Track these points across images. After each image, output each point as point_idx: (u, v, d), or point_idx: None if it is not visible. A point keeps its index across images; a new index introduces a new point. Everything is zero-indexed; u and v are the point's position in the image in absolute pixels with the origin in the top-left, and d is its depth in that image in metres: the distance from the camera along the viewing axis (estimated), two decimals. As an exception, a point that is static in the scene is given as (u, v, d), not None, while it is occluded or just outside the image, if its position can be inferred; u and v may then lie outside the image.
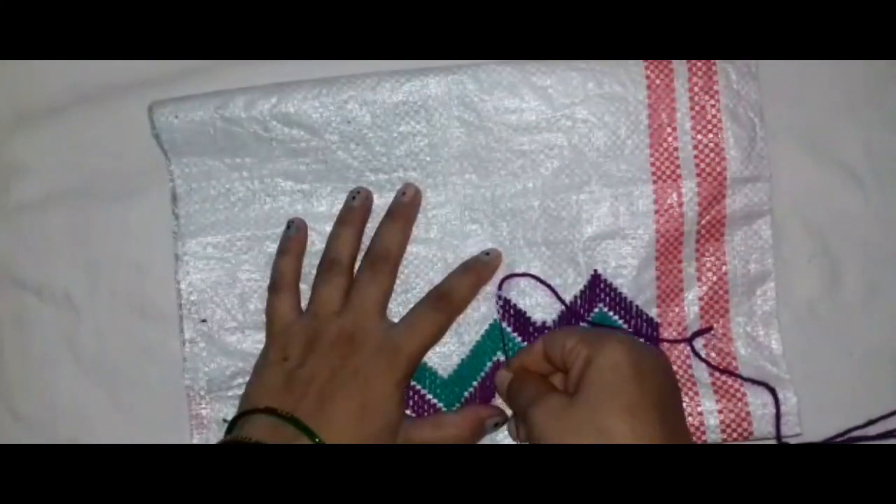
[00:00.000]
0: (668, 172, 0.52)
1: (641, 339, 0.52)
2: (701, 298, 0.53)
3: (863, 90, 0.54)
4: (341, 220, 0.53)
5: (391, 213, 0.52)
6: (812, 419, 0.52)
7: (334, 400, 0.48)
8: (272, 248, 0.53)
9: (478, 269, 0.52)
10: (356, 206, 0.52)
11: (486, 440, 0.51)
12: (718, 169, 0.52)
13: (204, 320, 0.53)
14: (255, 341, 0.53)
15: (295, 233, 0.53)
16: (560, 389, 0.48)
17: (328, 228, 0.53)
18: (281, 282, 0.52)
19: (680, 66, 0.52)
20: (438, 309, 0.51)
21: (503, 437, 0.52)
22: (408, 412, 0.52)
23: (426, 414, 0.52)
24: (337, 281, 0.51)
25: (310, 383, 0.48)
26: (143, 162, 0.54)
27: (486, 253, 0.52)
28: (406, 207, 0.52)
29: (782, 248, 0.53)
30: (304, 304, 0.52)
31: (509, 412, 0.51)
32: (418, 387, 0.52)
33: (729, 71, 0.52)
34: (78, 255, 0.54)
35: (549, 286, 0.52)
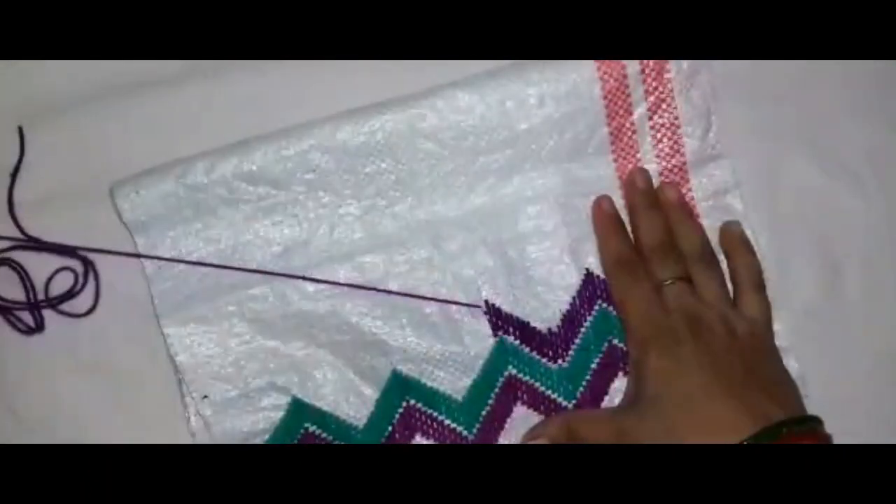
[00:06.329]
0: (630, 168, 0.54)
1: None
2: None
3: (865, 92, 0.54)
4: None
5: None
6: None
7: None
8: (258, 307, 0.52)
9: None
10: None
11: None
12: (678, 155, 0.53)
13: (206, 396, 0.52)
14: (258, 407, 0.52)
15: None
16: None
17: (305, 284, 0.52)
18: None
19: (631, 63, 0.53)
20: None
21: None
22: (428, 441, 0.52)
23: (448, 441, 0.52)
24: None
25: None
26: (143, 162, 0.53)
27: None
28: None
29: (783, 250, 0.53)
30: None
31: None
32: (435, 413, 0.52)
33: (680, 62, 0.53)
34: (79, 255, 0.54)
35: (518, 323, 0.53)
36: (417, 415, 0.52)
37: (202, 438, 0.52)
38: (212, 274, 0.52)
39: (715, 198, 0.54)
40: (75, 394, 0.53)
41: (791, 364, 0.52)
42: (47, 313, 0.53)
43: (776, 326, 0.52)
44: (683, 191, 0.54)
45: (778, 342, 0.52)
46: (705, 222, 0.53)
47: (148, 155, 0.53)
